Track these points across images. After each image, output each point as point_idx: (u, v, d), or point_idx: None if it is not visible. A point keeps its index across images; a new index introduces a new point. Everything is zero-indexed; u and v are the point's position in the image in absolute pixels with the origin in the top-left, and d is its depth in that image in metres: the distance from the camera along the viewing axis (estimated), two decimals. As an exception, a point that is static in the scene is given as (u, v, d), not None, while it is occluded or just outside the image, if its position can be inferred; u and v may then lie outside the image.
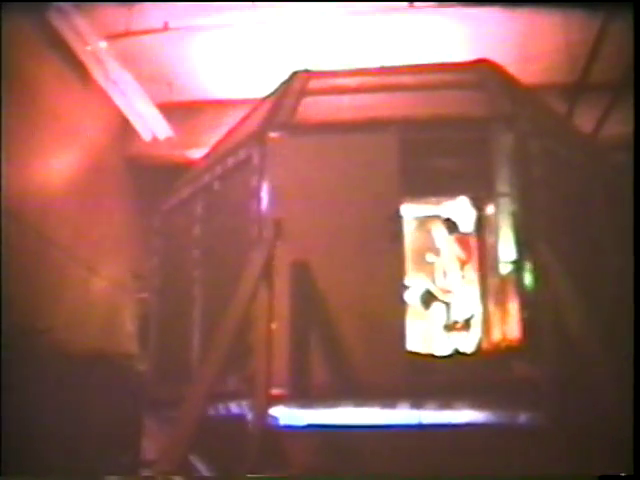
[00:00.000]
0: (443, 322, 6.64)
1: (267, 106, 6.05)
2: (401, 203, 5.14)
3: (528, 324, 4.62)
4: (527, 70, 8.61)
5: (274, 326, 4.87)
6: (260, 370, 4.67)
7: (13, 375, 6.57)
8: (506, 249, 4.86)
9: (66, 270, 7.93)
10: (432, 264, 7.03)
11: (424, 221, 7.10)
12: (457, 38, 8.06)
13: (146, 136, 8.69)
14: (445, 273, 6.84)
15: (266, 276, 4.77)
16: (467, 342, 6.21)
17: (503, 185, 5.03)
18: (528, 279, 4.67)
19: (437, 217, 6.82)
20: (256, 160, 5.37)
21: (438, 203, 6.63)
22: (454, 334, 6.47)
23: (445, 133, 5.22)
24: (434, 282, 6.92)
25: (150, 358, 6.47)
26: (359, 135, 5.30)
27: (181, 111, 9.17)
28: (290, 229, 5.10)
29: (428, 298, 6.77)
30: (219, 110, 8.90)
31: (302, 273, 4.99)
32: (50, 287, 7.68)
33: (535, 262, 4.60)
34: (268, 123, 5.56)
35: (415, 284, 6.86)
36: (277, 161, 5.30)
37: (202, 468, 5.88)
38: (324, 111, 5.79)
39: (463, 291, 6.41)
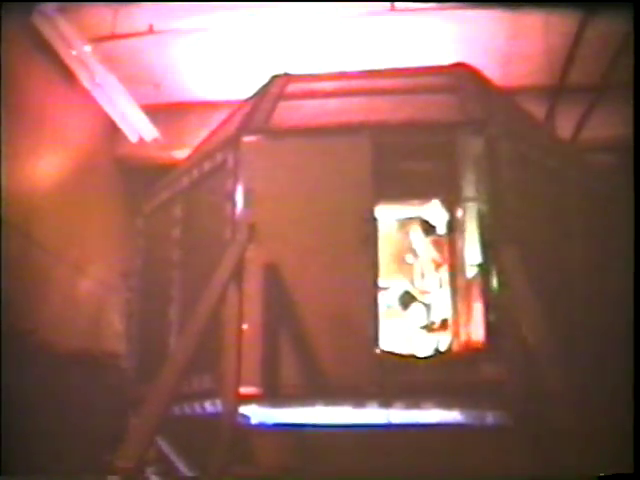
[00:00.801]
0: (421, 323, 6.73)
1: (245, 110, 6.14)
2: (373, 206, 5.21)
3: (493, 326, 4.70)
4: (510, 72, 8.74)
5: (246, 327, 4.96)
6: (230, 369, 4.76)
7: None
8: (473, 252, 4.95)
9: (53, 270, 8.02)
10: (411, 265, 7.13)
11: (405, 223, 7.18)
12: (440, 40, 8.13)
13: (133, 138, 8.79)
14: (423, 274, 6.93)
15: (237, 278, 4.86)
16: (444, 343, 6.30)
17: (472, 189, 5.11)
18: (493, 282, 4.75)
19: (418, 219, 6.90)
20: (231, 164, 5.45)
21: (421, 205, 6.71)
22: (432, 335, 6.56)
23: (417, 137, 5.31)
24: (413, 283, 7.01)
25: (131, 357, 6.58)
26: (333, 139, 5.39)
27: (168, 112, 9.27)
28: (263, 232, 5.19)
29: (407, 299, 6.85)
30: (206, 111, 8.98)
31: (274, 275, 5.08)
32: (37, 287, 7.77)
33: (499, 265, 4.68)
34: (243, 127, 5.64)
35: (394, 285, 6.96)
36: (252, 165, 5.39)
37: (181, 465, 6.01)
38: (300, 115, 5.88)
39: (439, 292, 6.49)
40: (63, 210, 8.07)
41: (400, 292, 6.86)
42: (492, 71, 8.22)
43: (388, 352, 5.64)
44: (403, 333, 6.79)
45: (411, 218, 7.02)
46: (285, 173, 5.36)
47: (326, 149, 5.36)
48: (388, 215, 7.03)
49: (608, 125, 8.65)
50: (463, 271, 5.06)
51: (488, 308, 4.76)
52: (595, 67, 7.96)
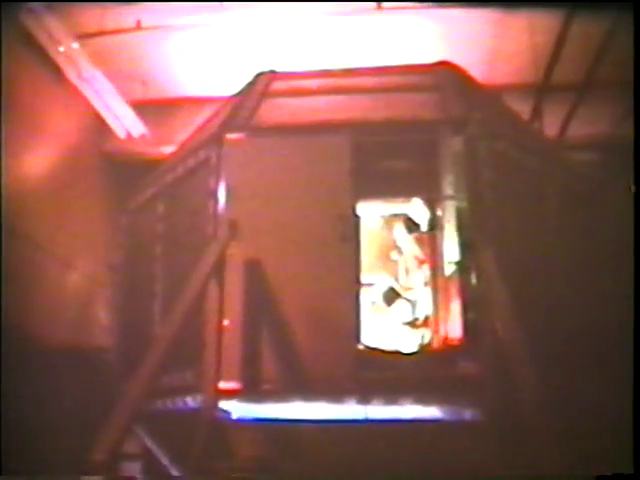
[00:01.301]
0: (405, 319, 6.78)
1: (229, 107, 6.18)
2: (353, 204, 5.26)
3: (471, 323, 4.76)
4: (497, 70, 8.79)
5: (227, 322, 5.02)
6: (210, 365, 4.82)
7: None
8: (452, 250, 5.00)
9: (41, 265, 8.05)
10: (396, 262, 7.19)
11: (390, 220, 7.24)
12: (426, 39, 8.17)
13: (120, 133, 8.83)
14: (407, 271, 6.99)
15: (218, 274, 4.91)
16: (427, 339, 6.36)
17: (451, 187, 5.16)
18: (470, 280, 4.81)
19: (402, 216, 6.95)
20: (214, 161, 5.50)
21: (404, 203, 6.76)
22: (416, 331, 6.62)
23: (397, 136, 5.35)
24: (397, 280, 7.06)
25: (116, 351, 6.63)
26: (314, 137, 5.44)
27: (156, 109, 9.30)
28: (245, 228, 5.23)
29: (391, 295, 6.91)
30: (194, 108, 9.00)
31: (255, 271, 5.13)
32: (24, 282, 7.80)
33: (476, 263, 4.74)
34: (227, 125, 5.69)
35: (379, 281, 7.02)
36: (234, 162, 5.43)
37: (164, 460, 6.06)
38: (284, 113, 5.92)
39: (423, 289, 6.55)
40: (51, 205, 8.10)
41: (384, 288, 6.92)
42: (478, 69, 8.33)
43: (369, 348, 5.71)
44: (387, 329, 6.86)
45: (396, 215, 7.07)
46: (267, 170, 5.41)
47: (307, 147, 5.41)
48: (373, 212, 7.10)
49: (593, 123, 8.70)
50: (442, 269, 5.11)
51: (466, 306, 4.81)
52: (582, 65, 7.98)
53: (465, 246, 4.91)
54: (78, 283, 8.78)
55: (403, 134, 5.34)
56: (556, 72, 8.11)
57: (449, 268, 4.99)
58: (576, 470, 4.83)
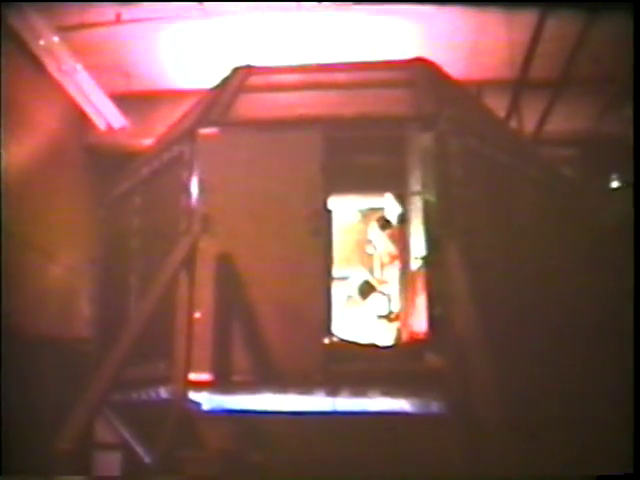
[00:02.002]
0: (380, 312, 6.87)
1: (204, 102, 6.24)
2: (324, 199, 5.33)
3: (436, 318, 4.84)
4: (476, 65, 8.85)
5: (198, 315, 5.09)
6: (180, 356, 4.89)
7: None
8: (419, 245, 5.08)
9: (23, 257, 8.10)
10: (371, 256, 7.28)
11: (367, 214, 7.33)
12: (404, 34, 8.23)
13: (101, 125, 8.89)
14: (383, 265, 7.08)
15: (188, 267, 4.98)
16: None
17: (421, 183, 5.23)
18: (436, 275, 4.90)
19: (378, 211, 7.04)
20: (187, 156, 5.55)
21: (376, 198, 6.84)
22: (391, 324, 6.71)
23: (367, 131, 5.42)
24: (372, 273, 7.16)
25: (95, 343, 6.70)
26: (286, 132, 5.49)
27: (138, 101, 9.34)
28: (217, 223, 5.30)
29: (366, 289, 7.00)
30: (176, 100, 9.03)
31: (227, 265, 5.20)
32: (6, 274, 7.85)
33: (441, 259, 4.82)
34: (201, 119, 5.75)
35: (354, 275, 7.11)
36: (207, 157, 5.49)
37: (140, 450, 6.14)
38: (258, 108, 5.98)
39: (397, 283, 6.64)
40: (32, 197, 8.14)
41: (360, 282, 7.01)
42: (457, 65, 8.40)
43: (344, 341, 5.81)
44: (363, 322, 6.95)
45: (373, 209, 7.16)
46: (240, 165, 5.47)
47: (280, 142, 5.46)
48: (349, 206, 7.18)
49: (571, 119, 8.78)
50: (410, 263, 5.19)
51: (432, 300, 4.89)
52: (562, 61, 8.04)
53: (431, 241, 4.99)
54: (60, 274, 8.84)
55: (373, 130, 5.40)
56: (535, 68, 8.16)
57: (415, 263, 5.06)
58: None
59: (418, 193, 5.15)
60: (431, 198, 5.11)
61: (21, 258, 8.17)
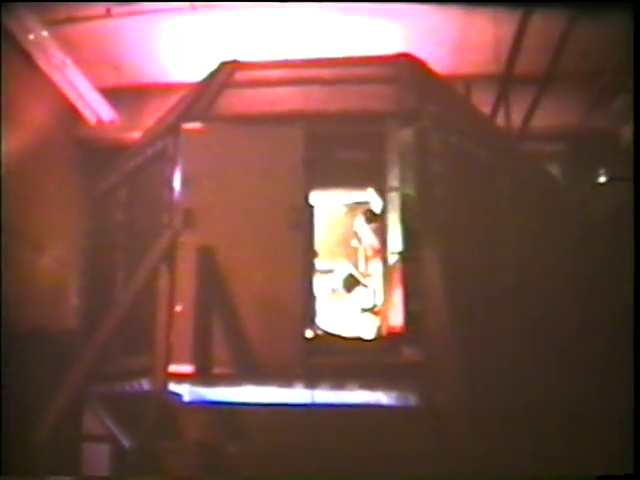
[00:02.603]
0: (364, 305, 6.93)
1: (190, 96, 6.29)
2: (305, 194, 5.39)
3: (412, 312, 4.91)
4: (467, 60, 8.89)
5: (180, 308, 5.16)
6: (160, 349, 4.97)
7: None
8: (397, 240, 5.15)
9: (11, 250, 8.14)
10: (356, 249, 7.34)
11: (354, 208, 7.38)
12: (390, 30, 8.28)
13: (91, 119, 8.94)
14: (367, 258, 7.14)
15: (169, 261, 5.05)
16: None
17: (399, 179, 5.29)
18: (412, 270, 4.96)
19: (363, 205, 7.09)
20: (171, 151, 5.61)
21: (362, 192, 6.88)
22: (375, 317, 6.76)
23: (349, 127, 5.48)
24: (357, 267, 7.21)
25: (81, 335, 6.77)
26: (269, 128, 5.55)
27: (128, 94, 9.38)
28: (199, 217, 5.37)
29: (351, 282, 7.05)
30: (167, 94, 9.06)
31: (209, 259, 5.26)
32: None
33: (418, 254, 4.89)
34: (184, 114, 5.80)
35: (339, 268, 7.17)
36: (190, 152, 5.55)
37: (124, 441, 6.22)
38: (243, 103, 6.03)
39: (380, 277, 6.69)
40: (22, 190, 8.18)
41: (344, 275, 7.06)
42: (445, 60, 8.46)
43: (325, 333, 5.87)
44: (347, 315, 7.01)
45: (359, 203, 7.21)
46: (222, 160, 5.53)
47: (262, 138, 5.52)
48: (336, 200, 7.23)
49: (559, 115, 8.82)
50: (389, 258, 5.25)
51: (408, 295, 4.96)
52: (546, 57, 8.06)
53: (408, 237, 5.05)
54: (50, 267, 8.89)
55: (355, 126, 5.46)
56: (524, 63, 8.18)
57: (393, 258, 5.12)
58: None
59: (396, 188, 5.20)
60: (410, 193, 5.16)
61: (11, 250, 8.22)
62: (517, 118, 8.72)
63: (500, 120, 8.44)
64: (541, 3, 7.42)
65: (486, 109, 8.29)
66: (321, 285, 6.86)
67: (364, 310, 6.89)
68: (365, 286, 7.00)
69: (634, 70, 6.46)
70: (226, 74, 6.42)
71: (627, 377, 5.74)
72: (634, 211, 5.79)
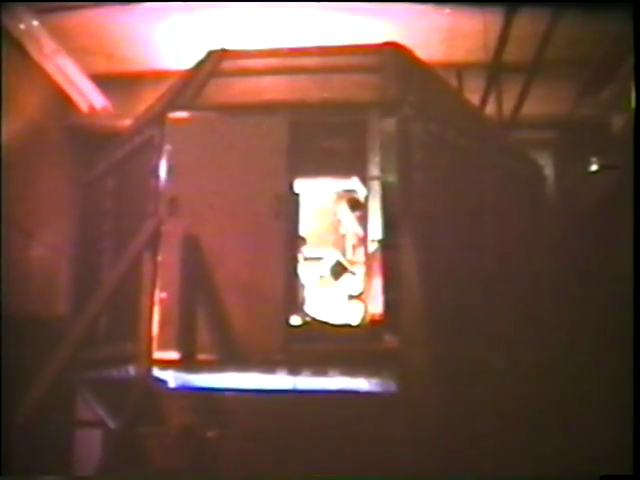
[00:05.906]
0: (352, 292, 7.00)
1: (177, 85, 6.34)
2: (289, 183, 5.45)
3: (391, 300, 4.98)
4: (458, 48, 8.91)
5: (164, 295, 5.23)
6: (144, 335, 5.05)
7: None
8: (377, 229, 5.21)
9: (5, 237, 8.19)
10: (343, 237, 7.41)
11: (343, 196, 7.43)
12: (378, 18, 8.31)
13: (83, 106, 8.98)
14: (354, 246, 7.21)
15: (152, 249, 5.12)
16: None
17: (381, 167, 5.34)
18: (391, 258, 5.03)
19: (348, 194, 7.14)
20: (157, 139, 5.67)
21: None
22: (361, 304, 6.83)
23: (332, 117, 5.53)
24: (344, 254, 7.29)
25: (69, 322, 6.84)
26: (254, 117, 5.61)
27: (121, 82, 9.41)
28: (184, 206, 5.43)
29: (338, 269, 7.13)
30: (160, 81, 9.08)
31: (193, 246, 5.33)
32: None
33: (397, 242, 4.96)
34: (171, 104, 5.85)
35: (327, 255, 7.24)
36: (176, 140, 5.61)
37: (112, 426, 6.31)
38: (227, 92, 6.08)
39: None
40: (14, 177, 8.23)
41: (332, 262, 7.14)
42: (436, 48, 8.48)
43: (313, 320, 5.96)
44: (335, 302, 7.09)
45: (349, 191, 7.25)
46: (207, 149, 5.59)
47: (247, 126, 5.58)
48: (325, 188, 7.28)
49: (549, 103, 8.84)
50: (370, 246, 5.31)
51: (388, 283, 5.02)
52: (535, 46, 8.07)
53: (388, 225, 5.11)
54: (42, 255, 8.97)
55: (338, 115, 5.51)
56: (514, 51, 8.20)
57: (373, 246, 5.18)
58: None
59: (378, 177, 5.26)
60: (391, 181, 5.22)
61: (3, 238, 8.27)
62: (509, 106, 8.74)
63: (491, 108, 8.47)
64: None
65: (478, 97, 8.32)
66: (310, 272, 6.95)
67: (351, 297, 6.97)
68: (353, 273, 7.07)
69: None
70: (213, 63, 6.47)
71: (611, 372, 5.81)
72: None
